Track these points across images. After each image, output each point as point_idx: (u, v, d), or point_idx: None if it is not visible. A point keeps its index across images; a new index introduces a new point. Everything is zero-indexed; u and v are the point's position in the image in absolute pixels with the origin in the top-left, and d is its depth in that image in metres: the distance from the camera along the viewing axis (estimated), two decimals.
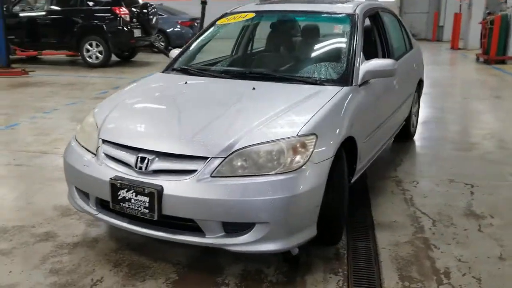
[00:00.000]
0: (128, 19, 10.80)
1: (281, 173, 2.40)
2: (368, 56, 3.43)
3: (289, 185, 2.39)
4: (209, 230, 2.44)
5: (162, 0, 15.26)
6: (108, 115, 2.91)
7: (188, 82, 3.29)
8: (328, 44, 3.70)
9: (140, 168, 2.50)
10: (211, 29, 3.97)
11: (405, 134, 5.01)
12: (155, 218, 2.44)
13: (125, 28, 10.72)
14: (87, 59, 10.75)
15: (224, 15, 4.04)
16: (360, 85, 3.19)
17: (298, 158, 2.46)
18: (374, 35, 4.05)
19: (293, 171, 2.42)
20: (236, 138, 2.48)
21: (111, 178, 2.55)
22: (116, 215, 2.64)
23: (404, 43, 4.83)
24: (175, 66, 3.68)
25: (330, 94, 2.95)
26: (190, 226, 2.48)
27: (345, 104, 2.95)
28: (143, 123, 2.79)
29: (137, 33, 11.06)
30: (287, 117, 2.68)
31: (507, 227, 3.21)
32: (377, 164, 4.33)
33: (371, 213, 3.40)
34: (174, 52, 3.89)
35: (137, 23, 11.10)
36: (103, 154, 2.69)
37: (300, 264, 2.72)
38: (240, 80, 3.27)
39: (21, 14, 11.10)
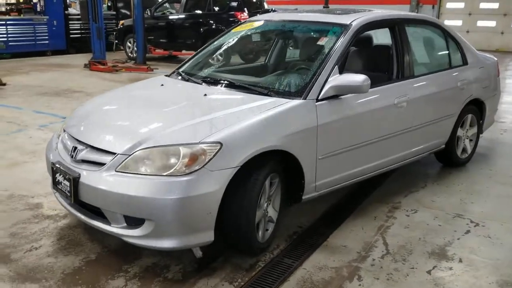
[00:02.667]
0: None
1: (171, 175, 2.52)
2: (368, 71, 3.24)
3: (175, 187, 2.49)
4: (113, 220, 2.68)
5: (298, 4, 15.72)
6: (78, 109, 3.36)
7: (164, 84, 3.56)
8: (306, 55, 3.59)
9: (72, 156, 2.87)
10: (224, 36, 4.16)
11: (449, 159, 4.51)
12: (72, 201, 2.78)
13: None
14: None
15: (242, 23, 4.21)
16: (320, 100, 3.07)
17: (193, 163, 2.54)
18: (386, 48, 3.78)
19: (183, 175, 2.52)
20: (144, 138, 2.67)
21: (52, 162, 2.97)
22: (63, 195, 3.04)
23: (448, 58, 4.34)
24: (180, 69, 3.97)
25: (271, 105, 2.93)
26: (102, 213, 2.75)
27: (282, 117, 2.90)
28: (91, 118, 3.13)
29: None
30: (207, 123, 2.76)
31: (465, 275, 2.76)
32: (391, 187, 4.05)
33: (329, 234, 3.23)
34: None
35: None
36: (60, 141, 3.13)
37: (209, 267, 2.79)
38: (200, 86, 3.41)
39: (160, 18, 12.57)
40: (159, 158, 2.61)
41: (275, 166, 2.89)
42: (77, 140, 2.92)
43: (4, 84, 7.92)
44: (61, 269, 2.76)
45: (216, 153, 2.58)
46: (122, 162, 2.63)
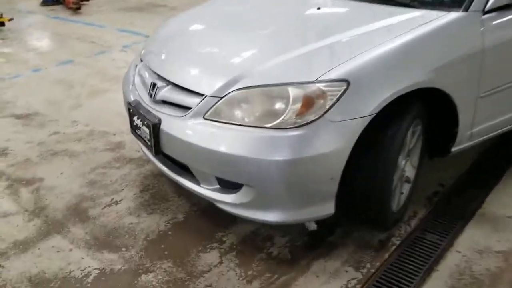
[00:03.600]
0: None
1: (278, 128, 1.81)
2: None
3: (283, 145, 1.79)
4: (203, 180, 2.08)
5: None
6: (157, 32, 2.69)
7: None
8: None
9: (151, 95, 2.25)
10: None
11: None
12: (153, 153, 2.20)
13: None
14: None
15: None
16: (487, 12, 2.12)
17: (307, 111, 1.80)
18: None
19: (294, 127, 1.79)
20: (240, 74, 1.94)
21: (128, 101, 2.38)
22: (144, 144, 2.48)
23: None
24: None
25: (417, 22, 2.04)
26: (189, 169, 2.16)
27: (434, 39, 2.01)
28: (172, 46, 2.43)
29: None
30: (326, 52, 1.95)
31: None
32: None
33: (485, 198, 2.41)
34: None
35: None
36: (137, 73, 2.52)
37: (325, 243, 2.15)
38: None
39: None
40: (259, 102, 1.89)
41: (419, 110, 2.07)
42: (157, 74, 2.27)
43: (88, 0, 7.49)
44: (143, 233, 2.26)
45: (341, 95, 1.80)
46: (212, 107, 1.95)
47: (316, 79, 1.82)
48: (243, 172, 1.86)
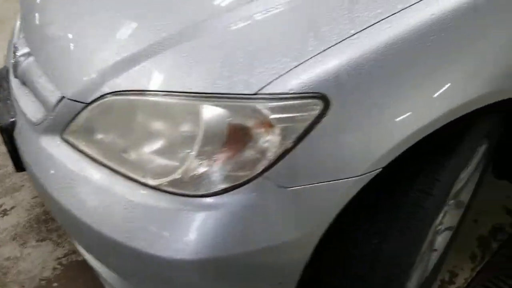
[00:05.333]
0: None
1: (174, 192, 0.86)
2: None
3: (183, 230, 0.85)
4: None
5: None
6: None
7: None
8: None
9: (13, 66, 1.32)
10: None
11: None
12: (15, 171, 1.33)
13: None
14: None
15: None
16: None
17: (236, 157, 0.84)
18: None
19: (206, 194, 0.85)
20: (118, 65, 0.95)
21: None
22: None
23: None
24: None
25: None
26: None
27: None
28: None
29: None
30: (278, 28, 0.88)
31: None
32: None
33: None
34: None
35: None
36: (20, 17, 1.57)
37: None
38: None
39: None
40: (142, 127, 0.93)
41: (487, 128, 1.05)
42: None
43: None
44: (17, 282, 1.47)
45: (308, 129, 0.81)
46: (73, 120, 1.01)
47: (256, 92, 0.82)
48: (111, 259, 0.98)
